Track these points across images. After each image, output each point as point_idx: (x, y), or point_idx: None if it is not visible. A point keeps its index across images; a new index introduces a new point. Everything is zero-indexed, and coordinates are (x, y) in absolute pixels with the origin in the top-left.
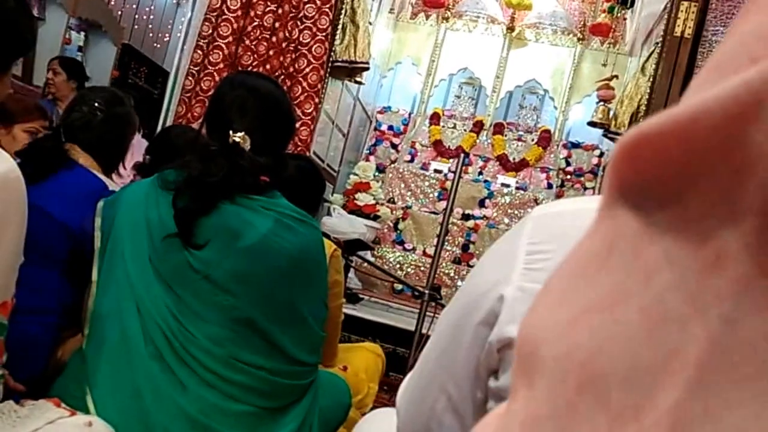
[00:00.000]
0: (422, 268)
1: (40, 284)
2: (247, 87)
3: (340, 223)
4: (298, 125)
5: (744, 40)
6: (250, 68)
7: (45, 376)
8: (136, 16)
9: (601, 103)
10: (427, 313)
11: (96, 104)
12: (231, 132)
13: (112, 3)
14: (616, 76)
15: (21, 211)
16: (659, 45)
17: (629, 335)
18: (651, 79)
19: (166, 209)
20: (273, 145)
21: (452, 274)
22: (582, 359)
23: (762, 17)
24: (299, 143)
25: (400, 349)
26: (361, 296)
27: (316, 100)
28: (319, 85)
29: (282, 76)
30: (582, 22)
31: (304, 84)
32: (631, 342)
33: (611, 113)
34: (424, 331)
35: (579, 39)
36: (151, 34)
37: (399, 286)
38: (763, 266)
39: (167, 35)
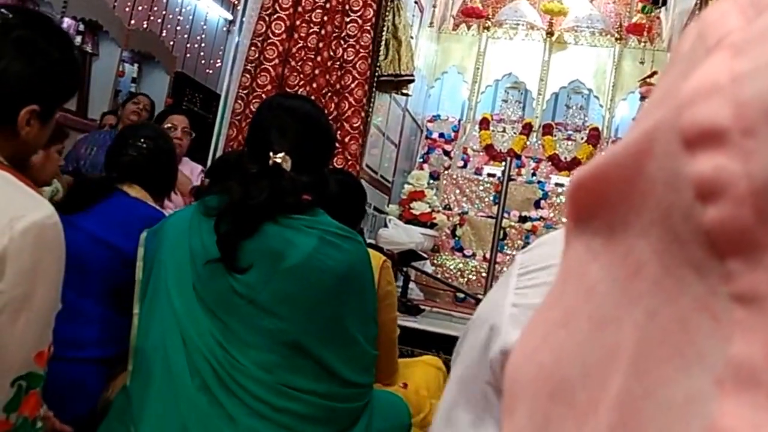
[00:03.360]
0: (483, 274)
1: (97, 318)
2: (284, 108)
3: (396, 233)
4: (347, 139)
5: (654, 98)
6: (296, 88)
7: (95, 415)
8: (188, 45)
9: (645, 100)
10: None
11: (141, 143)
12: (271, 153)
13: (164, 34)
14: (656, 73)
15: (58, 260)
16: None
17: (581, 341)
18: None
19: (208, 235)
20: (313, 164)
21: None
22: (548, 373)
23: (668, 79)
24: (349, 157)
25: None
26: (422, 307)
27: (363, 114)
28: (365, 100)
29: (329, 93)
30: (618, 23)
31: (351, 99)
32: (583, 346)
33: None
34: None
35: (617, 39)
36: (203, 61)
37: (461, 295)
38: (667, 266)
39: (219, 61)
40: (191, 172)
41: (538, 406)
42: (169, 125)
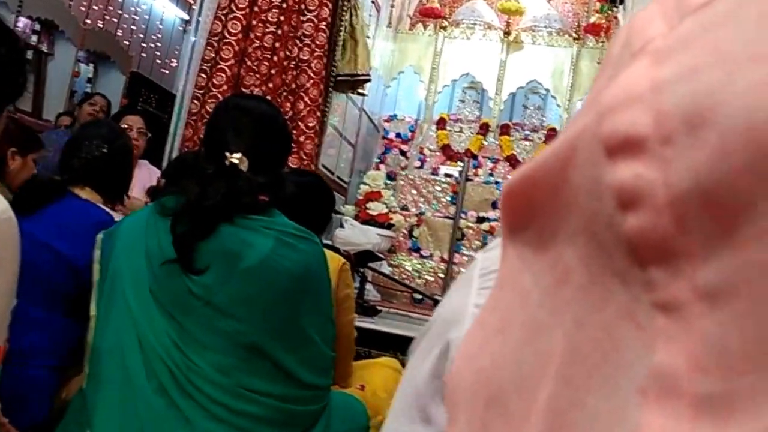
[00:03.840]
0: (441, 275)
1: (45, 324)
2: (241, 108)
3: (352, 234)
4: (302, 139)
5: (584, 104)
6: (253, 87)
7: (50, 420)
8: (144, 45)
9: None
10: None
11: (96, 144)
12: (228, 154)
13: (120, 33)
14: None
15: (14, 254)
16: None
17: (515, 349)
18: None
19: (165, 236)
20: (270, 164)
21: None
22: (485, 380)
23: (598, 84)
24: (305, 157)
25: None
26: (379, 308)
27: (318, 113)
28: (320, 99)
29: (285, 93)
30: (576, 23)
31: (306, 99)
32: (517, 354)
33: None
34: None
35: (575, 39)
36: (158, 61)
37: (419, 296)
38: (593, 274)
39: (175, 61)
40: (150, 175)
41: (476, 414)
42: (125, 126)
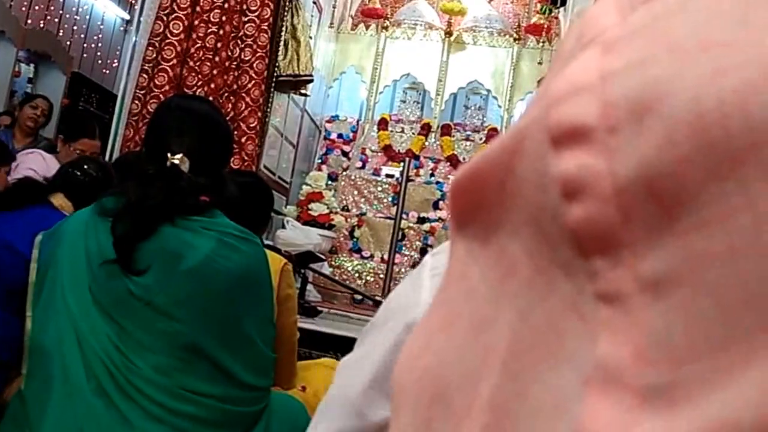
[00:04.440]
0: (381, 276)
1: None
2: (182, 109)
3: (294, 235)
4: (243, 140)
5: (535, 97)
6: (195, 88)
7: None
8: (85, 45)
9: None
10: None
11: (91, 172)
12: (169, 154)
13: (61, 33)
14: None
15: None
16: None
17: (460, 344)
18: None
19: (105, 237)
20: (212, 165)
21: None
22: (431, 377)
23: (549, 75)
24: (246, 157)
25: None
26: (320, 309)
27: (260, 114)
28: (262, 100)
29: (226, 94)
30: (517, 23)
31: (248, 99)
32: (462, 349)
33: None
34: None
35: (515, 39)
36: (100, 61)
37: (359, 296)
38: (538, 266)
39: (116, 61)
40: None
41: (420, 411)
42: (80, 149)
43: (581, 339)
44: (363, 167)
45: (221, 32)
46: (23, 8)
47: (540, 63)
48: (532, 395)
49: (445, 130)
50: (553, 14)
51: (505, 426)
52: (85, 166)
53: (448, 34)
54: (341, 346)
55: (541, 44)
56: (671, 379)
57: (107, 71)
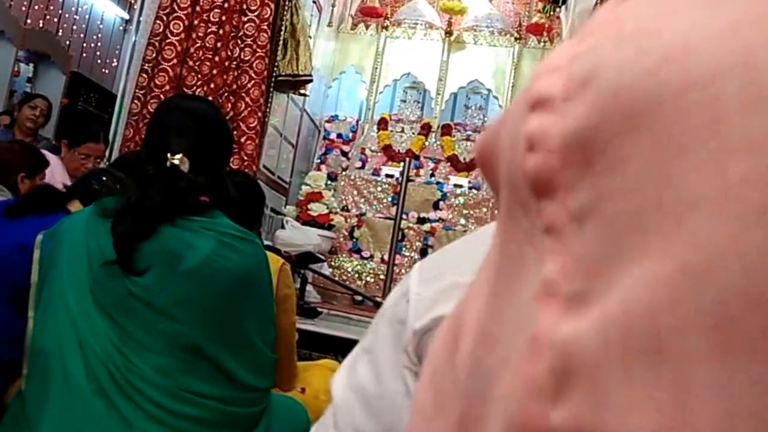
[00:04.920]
0: (381, 276)
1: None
2: (182, 109)
3: (293, 235)
4: (243, 140)
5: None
6: (194, 88)
7: None
8: (84, 44)
9: None
10: None
11: (110, 183)
12: (169, 154)
13: (60, 33)
14: None
15: None
16: None
17: (475, 283)
18: None
19: (105, 237)
20: (212, 165)
21: None
22: (457, 312)
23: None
24: (245, 157)
25: None
26: (320, 310)
27: (259, 114)
28: (261, 100)
29: (226, 93)
30: (518, 23)
31: (247, 99)
32: (473, 287)
33: None
34: None
35: (516, 39)
36: (99, 61)
37: (359, 297)
38: (510, 208)
39: (115, 61)
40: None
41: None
42: (84, 154)
43: (535, 264)
44: (362, 167)
45: (221, 32)
46: (23, 8)
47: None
48: (505, 314)
49: (446, 130)
50: (554, 14)
51: (488, 342)
52: (104, 178)
53: (449, 33)
54: (341, 347)
55: (542, 44)
56: (585, 288)
57: (106, 71)
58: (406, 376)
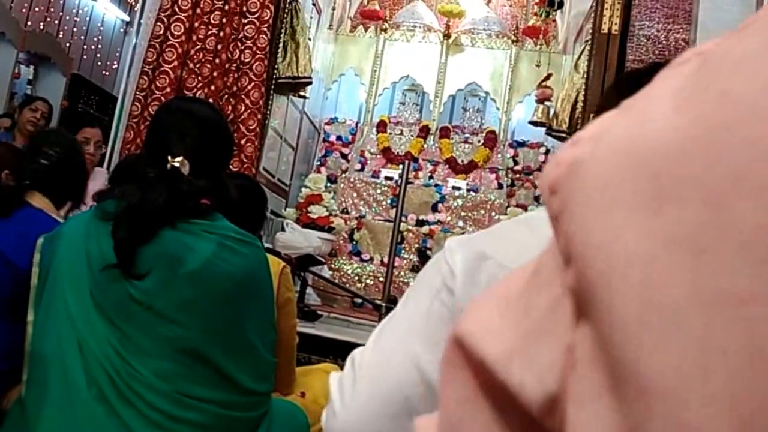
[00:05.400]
0: (381, 279)
1: None
2: (183, 111)
3: (293, 237)
4: (243, 142)
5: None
6: (195, 90)
7: None
8: (85, 47)
9: (541, 103)
10: None
11: (53, 153)
12: (169, 157)
13: (61, 35)
14: (551, 75)
15: None
16: (589, 42)
17: None
18: (585, 76)
19: (106, 241)
20: (212, 168)
21: (411, 283)
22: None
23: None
24: (245, 160)
25: None
26: (320, 313)
27: (259, 116)
28: (261, 102)
29: (226, 96)
30: (515, 25)
31: (247, 101)
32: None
33: (551, 111)
34: None
35: (513, 41)
36: (99, 63)
37: (359, 300)
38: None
39: (116, 63)
40: (104, 184)
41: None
42: (83, 138)
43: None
44: (362, 169)
45: (221, 34)
46: (23, 10)
47: (538, 65)
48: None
49: (444, 132)
50: (550, 17)
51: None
52: (44, 149)
53: (447, 36)
54: (341, 350)
55: (538, 46)
56: None
57: (107, 73)
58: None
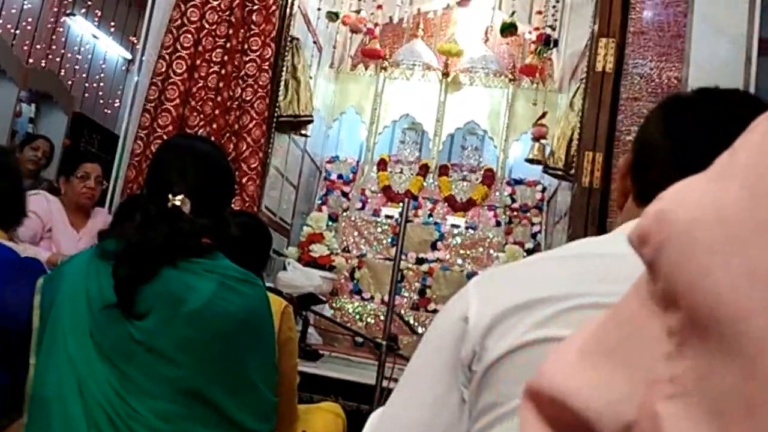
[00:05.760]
0: (382, 317)
1: None
2: (184, 149)
3: (295, 276)
4: (244, 180)
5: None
6: (197, 128)
7: None
8: (87, 85)
9: (537, 141)
10: (387, 365)
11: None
12: (170, 195)
13: (63, 73)
14: (546, 113)
15: None
16: (584, 81)
17: None
18: (579, 114)
19: (106, 280)
20: (214, 206)
21: (412, 321)
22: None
23: None
24: (247, 198)
25: (364, 407)
26: (321, 352)
27: (261, 154)
28: (263, 140)
29: (228, 134)
30: (512, 64)
31: (249, 140)
32: None
33: (547, 149)
34: (384, 384)
35: (510, 80)
36: (101, 101)
37: (360, 339)
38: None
39: (118, 101)
40: (106, 223)
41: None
42: (82, 174)
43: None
44: (363, 208)
45: (223, 72)
46: (25, 47)
47: (534, 103)
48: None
49: (443, 170)
50: (546, 55)
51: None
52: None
53: (446, 74)
54: (342, 389)
55: (535, 85)
56: None
57: (109, 111)
58: (461, 390)
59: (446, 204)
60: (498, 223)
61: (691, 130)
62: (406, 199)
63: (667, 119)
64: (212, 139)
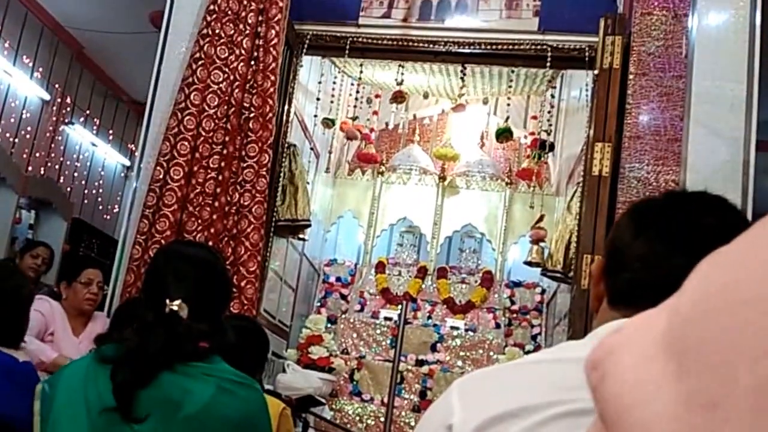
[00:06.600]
0: (382, 419)
1: None
2: (181, 255)
3: (294, 378)
4: (243, 284)
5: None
6: (195, 233)
7: None
8: (86, 191)
9: (535, 243)
10: None
11: None
12: (168, 300)
13: (62, 180)
14: (543, 216)
15: None
16: (580, 184)
17: None
18: (577, 218)
19: (104, 384)
20: (211, 310)
21: (413, 424)
22: None
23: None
24: (246, 301)
25: None
26: None
27: (259, 258)
28: (261, 244)
29: (226, 238)
30: (508, 168)
31: (247, 244)
32: None
33: (545, 252)
34: None
35: (507, 184)
36: (100, 207)
37: None
38: None
39: (116, 206)
40: (104, 327)
41: None
42: (85, 280)
43: None
44: (361, 310)
45: (220, 178)
46: (24, 155)
47: (531, 207)
48: None
49: (441, 273)
50: (542, 159)
51: None
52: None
53: (442, 178)
54: None
55: (531, 188)
56: None
57: (108, 217)
58: None
59: (445, 306)
60: (498, 325)
61: (659, 235)
62: (405, 301)
63: (637, 224)
64: (210, 243)
